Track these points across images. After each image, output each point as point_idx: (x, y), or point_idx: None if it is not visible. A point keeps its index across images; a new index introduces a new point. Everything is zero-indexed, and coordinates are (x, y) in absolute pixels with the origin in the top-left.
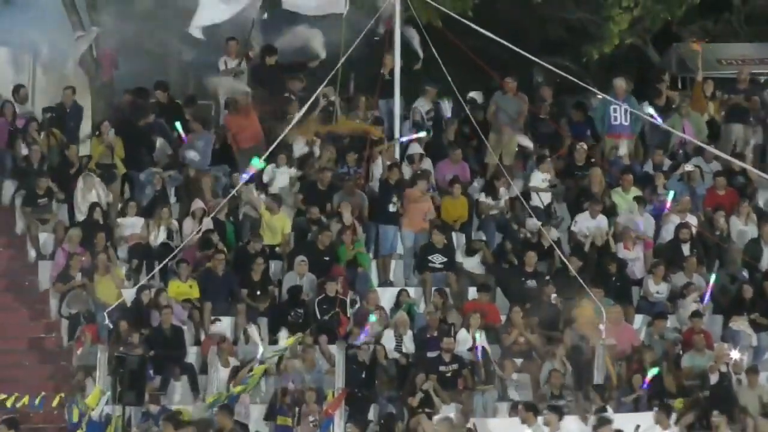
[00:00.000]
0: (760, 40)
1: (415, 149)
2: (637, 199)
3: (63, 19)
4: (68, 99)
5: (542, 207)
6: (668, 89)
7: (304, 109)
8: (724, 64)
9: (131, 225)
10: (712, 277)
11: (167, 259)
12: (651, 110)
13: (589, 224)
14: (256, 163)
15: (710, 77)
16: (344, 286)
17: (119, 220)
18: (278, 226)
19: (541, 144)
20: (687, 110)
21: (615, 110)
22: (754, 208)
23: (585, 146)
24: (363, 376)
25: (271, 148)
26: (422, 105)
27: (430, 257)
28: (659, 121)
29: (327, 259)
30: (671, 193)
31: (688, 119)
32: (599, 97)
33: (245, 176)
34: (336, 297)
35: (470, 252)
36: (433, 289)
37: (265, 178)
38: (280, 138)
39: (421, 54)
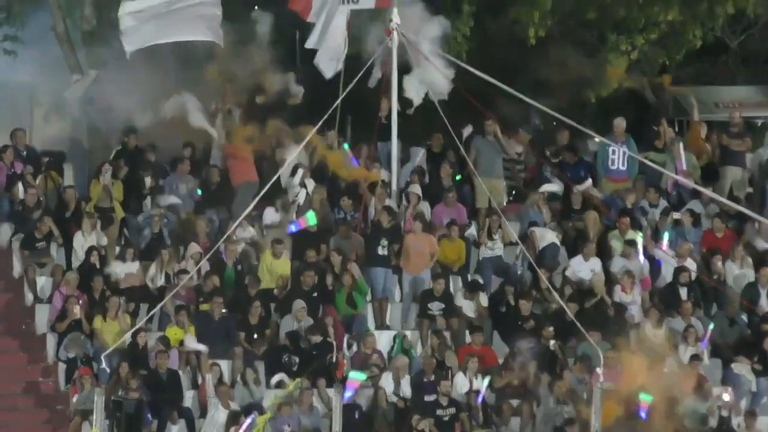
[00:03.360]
0: (757, 83)
1: (414, 190)
2: (629, 242)
3: (61, 62)
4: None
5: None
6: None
7: (298, 150)
8: (720, 108)
9: (128, 268)
10: (710, 325)
11: (161, 303)
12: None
13: (582, 267)
14: (311, 218)
15: (706, 120)
16: (337, 328)
17: (114, 263)
18: (279, 271)
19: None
20: (679, 149)
21: (613, 153)
22: (751, 252)
23: (581, 189)
24: (361, 419)
25: (264, 189)
26: (517, 149)
27: (429, 305)
28: (683, 164)
29: (315, 295)
30: (666, 235)
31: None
32: (596, 140)
33: (293, 228)
34: (327, 342)
35: (472, 288)
36: (430, 330)
37: (266, 221)
38: (275, 177)
39: (417, 102)
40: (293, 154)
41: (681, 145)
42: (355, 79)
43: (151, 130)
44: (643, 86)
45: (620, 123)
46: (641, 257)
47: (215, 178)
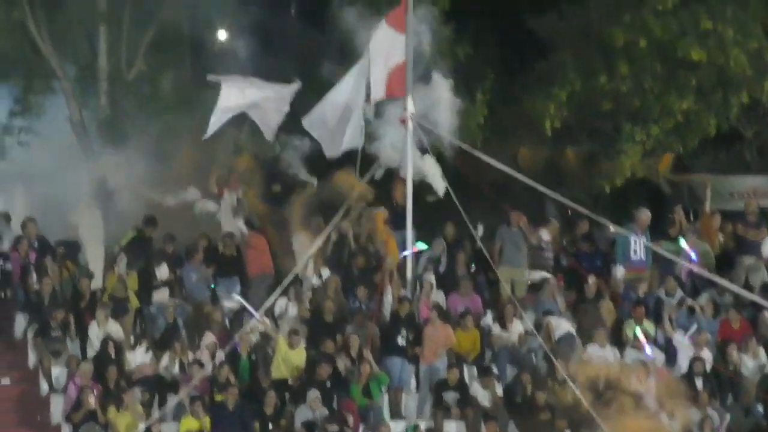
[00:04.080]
0: None
1: (428, 278)
2: (641, 333)
3: (75, 148)
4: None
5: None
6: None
7: (318, 242)
8: (735, 197)
9: (142, 358)
10: (728, 417)
11: (177, 397)
12: (683, 242)
13: (598, 354)
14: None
15: (721, 210)
16: (355, 420)
17: (129, 353)
18: (295, 361)
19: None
20: (693, 239)
21: (635, 242)
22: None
23: (595, 280)
24: None
25: (285, 282)
26: (545, 235)
27: (443, 395)
28: (693, 256)
29: (329, 387)
30: (694, 326)
31: (694, 248)
32: (612, 229)
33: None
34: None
35: (484, 373)
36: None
37: (278, 311)
38: (294, 272)
39: (441, 192)
40: (312, 247)
41: (693, 236)
42: (370, 172)
43: (167, 216)
44: (657, 176)
45: (645, 214)
46: (648, 349)
47: (230, 249)
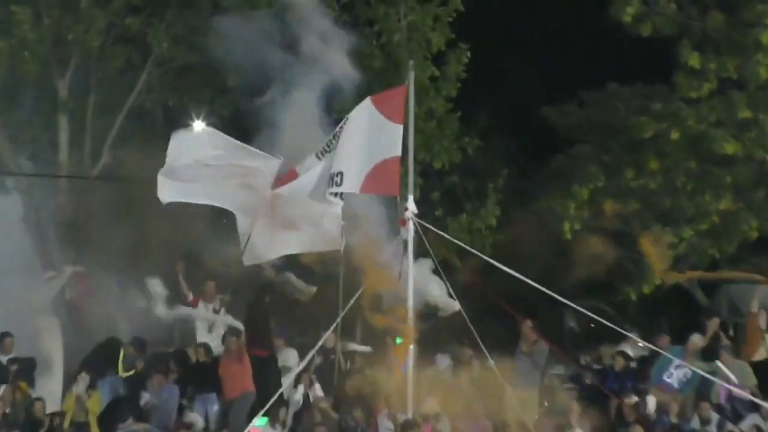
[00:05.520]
0: None
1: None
2: None
3: (31, 253)
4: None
5: None
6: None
7: (304, 363)
8: None
9: None
10: None
11: None
12: (720, 364)
13: None
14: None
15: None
16: None
17: None
18: None
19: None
20: (729, 358)
21: (676, 367)
22: None
23: (630, 403)
24: None
25: (269, 403)
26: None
27: None
28: (734, 379)
29: None
30: None
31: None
32: (640, 344)
33: None
34: None
35: None
36: None
37: None
38: (278, 394)
39: (458, 306)
40: (299, 365)
41: (729, 355)
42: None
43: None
44: (692, 283)
45: (697, 341)
46: None
47: (203, 357)
